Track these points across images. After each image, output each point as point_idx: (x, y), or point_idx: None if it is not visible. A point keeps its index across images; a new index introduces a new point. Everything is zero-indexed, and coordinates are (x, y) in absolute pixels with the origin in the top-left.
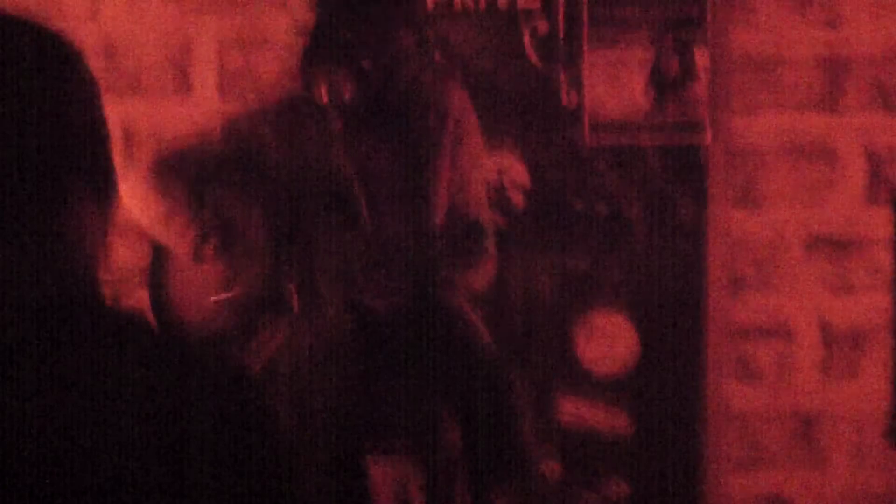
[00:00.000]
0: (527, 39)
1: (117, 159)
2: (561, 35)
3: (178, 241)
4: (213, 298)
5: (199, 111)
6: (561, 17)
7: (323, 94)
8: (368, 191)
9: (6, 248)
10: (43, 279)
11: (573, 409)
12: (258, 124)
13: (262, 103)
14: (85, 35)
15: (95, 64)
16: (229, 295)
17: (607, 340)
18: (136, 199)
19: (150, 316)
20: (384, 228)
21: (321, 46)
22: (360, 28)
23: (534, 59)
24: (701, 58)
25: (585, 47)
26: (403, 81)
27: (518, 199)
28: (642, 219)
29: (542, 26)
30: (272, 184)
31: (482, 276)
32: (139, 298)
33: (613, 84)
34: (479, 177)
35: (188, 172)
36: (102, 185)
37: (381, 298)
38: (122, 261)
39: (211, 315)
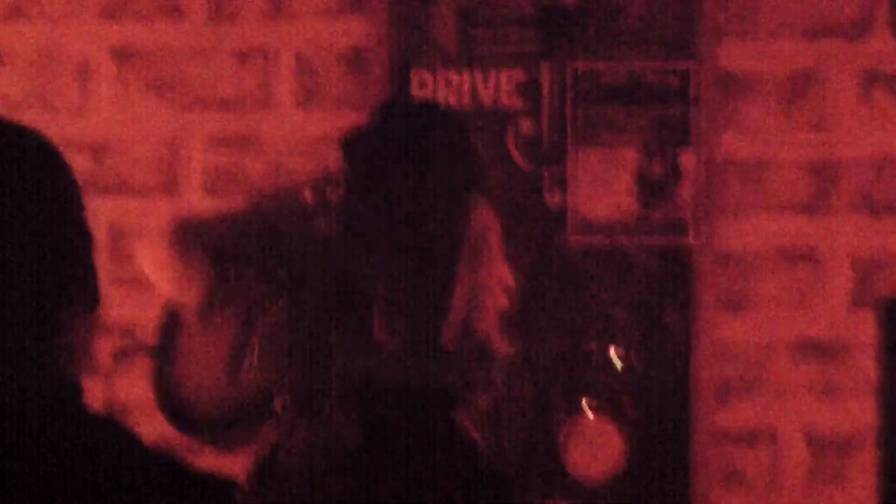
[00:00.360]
0: (511, 138)
1: (103, 258)
2: (545, 134)
3: (191, 292)
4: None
5: (185, 208)
6: (545, 116)
7: (307, 196)
8: (380, 297)
9: None
10: (24, 384)
11: None
12: (285, 202)
13: (277, 195)
14: (72, 130)
15: (82, 160)
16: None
17: (594, 445)
18: (150, 258)
19: (152, 389)
20: (393, 339)
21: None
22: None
23: (517, 158)
24: (687, 160)
25: (570, 147)
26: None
27: (502, 300)
28: (628, 321)
29: (527, 125)
30: (287, 274)
31: (486, 400)
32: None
33: (598, 185)
34: (495, 298)
35: (208, 239)
36: (84, 288)
37: (386, 409)
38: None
39: (216, 397)
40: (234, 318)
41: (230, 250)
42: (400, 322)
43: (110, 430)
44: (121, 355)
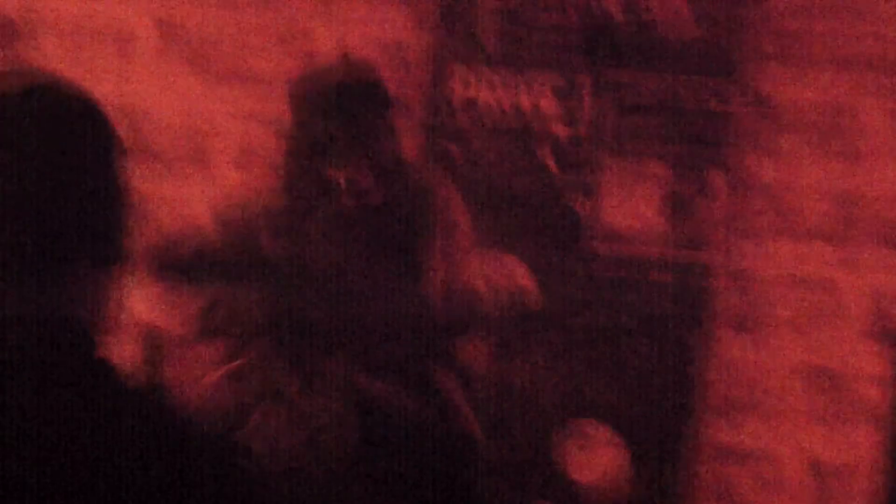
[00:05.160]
0: (547, 145)
1: (132, 223)
2: (579, 141)
3: (179, 321)
4: (219, 372)
5: (214, 181)
6: (581, 123)
7: (341, 182)
8: (368, 272)
9: (9, 294)
10: (43, 330)
11: None
12: (251, 210)
13: (256, 188)
14: (109, 96)
15: (118, 124)
16: (232, 367)
17: (593, 450)
18: (136, 286)
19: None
20: (381, 304)
21: (333, 139)
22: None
23: (552, 164)
24: (716, 179)
25: (602, 156)
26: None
27: (522, 302)
28: (640, 332)
29: (564, 133)
30: (268, 268)
31: (475, 349)
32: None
33: (626, 195)
34: (470, 258)
35: (183, 260)
36: (108, 241)
37: (380, 380)
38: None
39: (208, 396)
40: (224, 336)
41: (206, 261)
42: (384, 285)
43: (118, 377)
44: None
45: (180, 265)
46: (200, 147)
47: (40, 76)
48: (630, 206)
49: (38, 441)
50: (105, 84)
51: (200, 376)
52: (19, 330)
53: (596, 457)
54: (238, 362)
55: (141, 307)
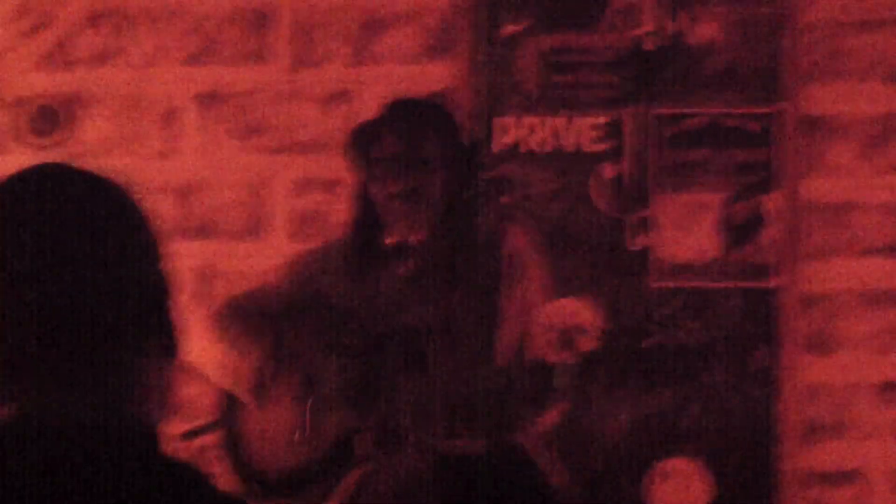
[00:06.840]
0: (593, 182)
1: (187, 301)
2: (627, 179)
3: (245, 387)
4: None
5: (270, 252)
6: (627, 160)
7: (394, 230)
8: (437, 332)
9: (67, 393)
10: (102, 427)
11: None
12: (324, 265)
13: (328, 244)
14: (157, 174)
15: (167, 203)
16: (306, 435)
17: (680, 485)
18: (201, 347)
19: (225, 457)
20: (452, 369)
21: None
22: (423, 171)
23: (600, 202)
24: (771, 203)
25: (652, 192)
26: (466, 223)
27: (586, 342)
28: (713, 363)
29: (609, 170)
30: (341, 325)
31: (552, 415)
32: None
33: (681, 229)
34: (542, 313)
35: (254, 317)
36: (160, 337)
37: (459, 441)
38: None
39: (286, 457)
40: (286, 392)
41: (279, 317)
42: (455, 347)
43: (186, 476)
44: (189, 435)
45: (252, 320)
46: (254, 219)
47: (74, 175)
48: (688, 238)
49: None
50: (152, 163)
51: (275, 440)
52: (87, 434)
53: (689, 493)
54: (308, 434)
55: (212, 370)
